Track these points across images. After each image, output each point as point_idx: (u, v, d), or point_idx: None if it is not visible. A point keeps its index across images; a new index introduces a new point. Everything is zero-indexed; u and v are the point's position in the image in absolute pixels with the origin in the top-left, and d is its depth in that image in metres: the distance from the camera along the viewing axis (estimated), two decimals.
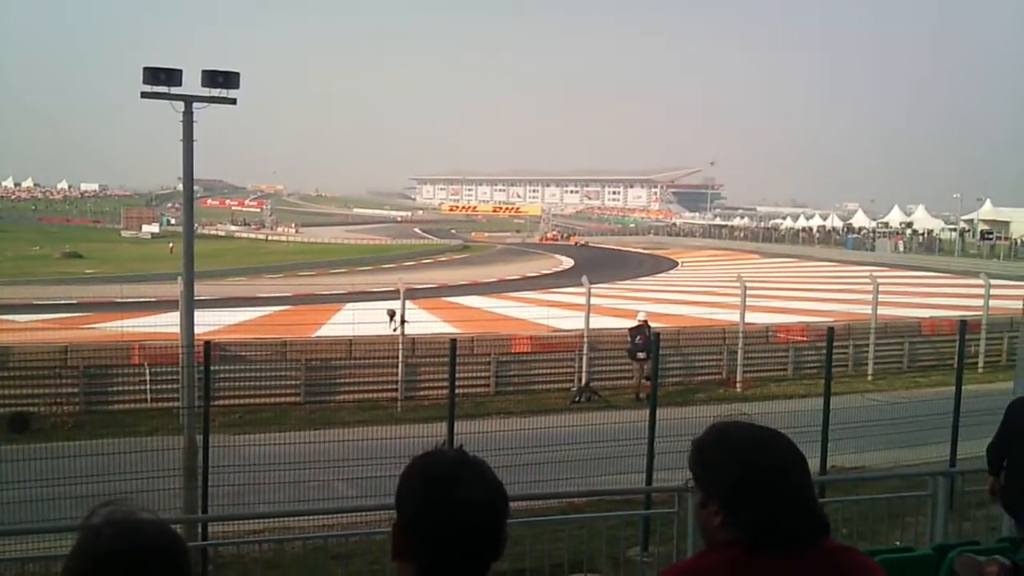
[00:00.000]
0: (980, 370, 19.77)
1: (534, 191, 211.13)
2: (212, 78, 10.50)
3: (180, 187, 12.54)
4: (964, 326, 11.40)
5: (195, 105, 10.49)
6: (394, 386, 16.74)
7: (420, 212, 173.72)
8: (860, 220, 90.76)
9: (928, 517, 7.08)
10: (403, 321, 17.20)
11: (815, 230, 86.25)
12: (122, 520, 1.47)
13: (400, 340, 17.01)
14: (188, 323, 11.05)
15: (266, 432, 13.11)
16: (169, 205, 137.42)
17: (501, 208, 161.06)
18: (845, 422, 10.41)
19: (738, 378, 18.81)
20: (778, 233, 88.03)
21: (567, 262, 63.21)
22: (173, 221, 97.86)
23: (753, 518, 1.79)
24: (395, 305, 17.55)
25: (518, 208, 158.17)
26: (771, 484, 1.80)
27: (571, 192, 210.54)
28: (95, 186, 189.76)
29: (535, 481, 9.19)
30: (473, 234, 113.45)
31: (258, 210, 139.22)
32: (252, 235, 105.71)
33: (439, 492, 1.61)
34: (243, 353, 17.88)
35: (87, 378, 15.73)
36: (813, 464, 9.34)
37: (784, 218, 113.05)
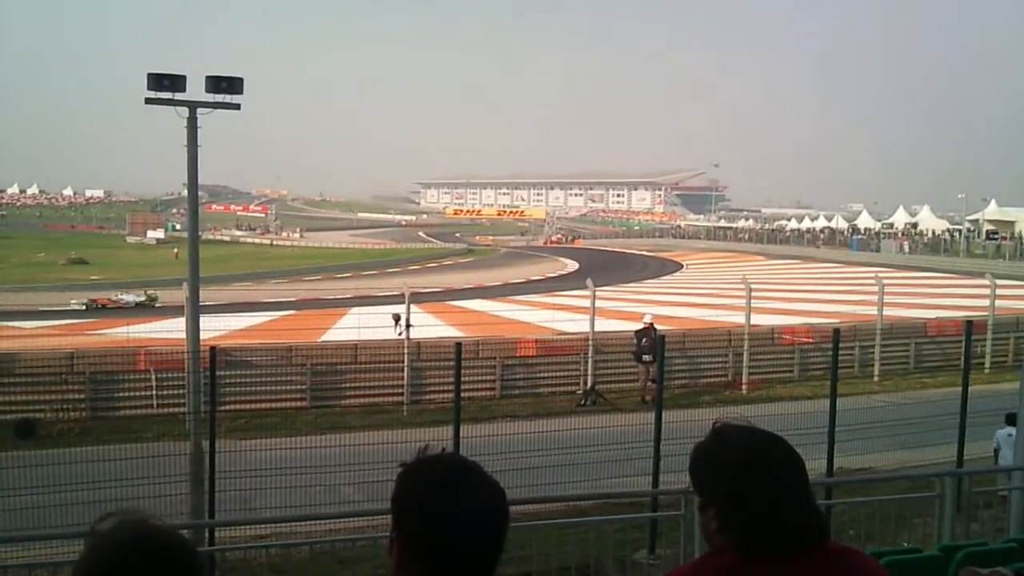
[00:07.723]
0: (986, 370, 19.72)
1: (538, 194, 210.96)
2: (216, 83, 10.55)
3: (185, 192, 12.58)
4: (970, 326, 11.40)
5: (199, 110, 10.54)
6: (400, 390, 16.76)
7: (424, 216, 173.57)
8: (865, 221, 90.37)
9: (935, 518, 7.04)
10: (408, 325, 17.20)
11: (820, 231, 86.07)
12: (133, 525, 1.46)
13: (405, 344, 17.01)
14: (194, 328, 11.10)
15: (272, 437, 13.14)
16: (174, 210, 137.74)
17: (505, 212, 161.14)
18: (851, 423, 10.36)
19: (744, 380, 18.75)
20: (783, 235, 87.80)
21: (572, 265, 63.14)
22: (178, 226, 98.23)
23: (747, 523, 1.80)
24: (400, 309, 17.56)
25: (522, 211, 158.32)
26: (764, 490, 1.80)
27: (575, 195, 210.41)
28: (100, 192, 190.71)
29: (541, 484, 9.17)
30: (477, 238, 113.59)
31: (263, 215, 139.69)
32: (257, 240, 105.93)
33: (441, 499, 1.58)
34: (249, 358, 17.91)
35: (93, 384, 15.79)
36: (820, 465, 9.32)
37: (789, 220, 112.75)
